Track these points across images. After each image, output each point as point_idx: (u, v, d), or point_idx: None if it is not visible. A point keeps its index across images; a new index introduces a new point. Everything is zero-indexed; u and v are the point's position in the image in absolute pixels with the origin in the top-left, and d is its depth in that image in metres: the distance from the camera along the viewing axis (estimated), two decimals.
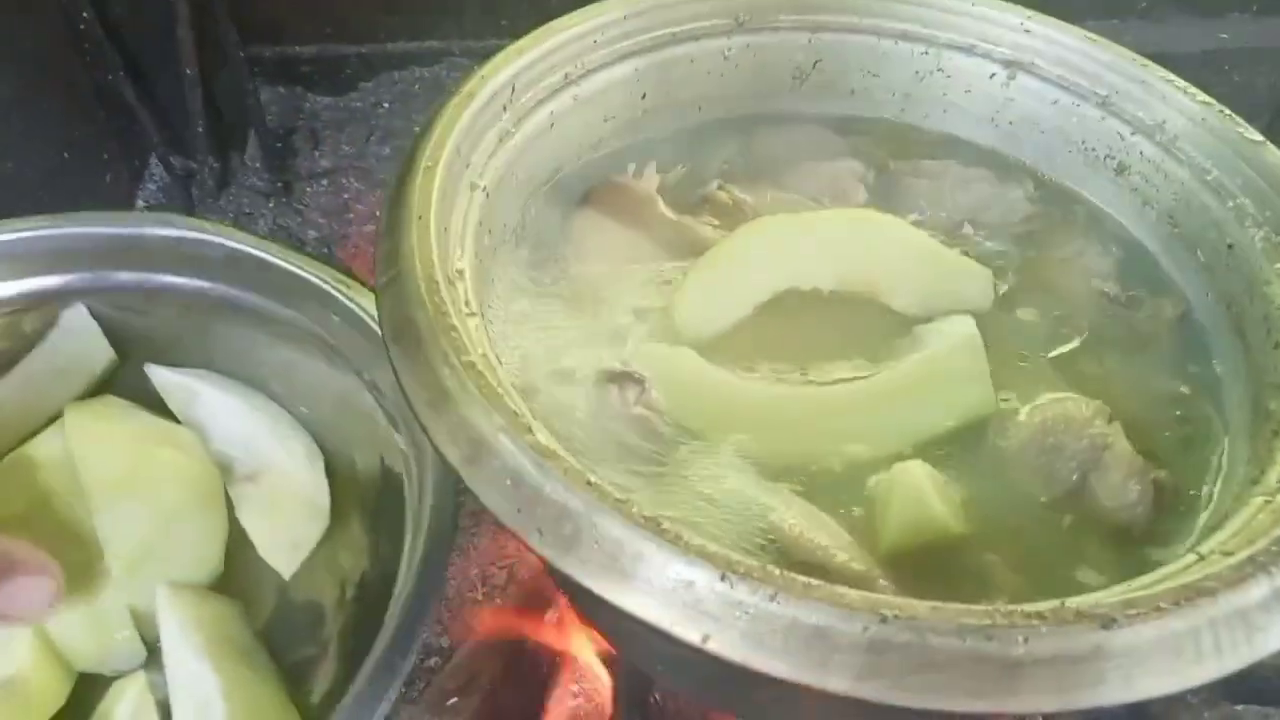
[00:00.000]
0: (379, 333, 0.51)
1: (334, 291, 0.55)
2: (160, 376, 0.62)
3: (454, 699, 0.57)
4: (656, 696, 0.59)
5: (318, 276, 0.56)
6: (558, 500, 0.36)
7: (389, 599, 0.47)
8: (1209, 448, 0.48)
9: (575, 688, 0.61)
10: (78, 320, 0.62)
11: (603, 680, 0.61)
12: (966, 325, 0.50)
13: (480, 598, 0.81)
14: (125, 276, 0.60)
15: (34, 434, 0.60)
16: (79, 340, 0.63)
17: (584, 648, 0.62)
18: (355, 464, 0.58)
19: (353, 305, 0.55)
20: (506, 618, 0.63)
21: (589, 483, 0.36)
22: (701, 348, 0.50)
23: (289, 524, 0.59)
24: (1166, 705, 0.59)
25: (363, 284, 0.56)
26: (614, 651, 0.60)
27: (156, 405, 0.61)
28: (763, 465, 0.45)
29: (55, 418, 0.60)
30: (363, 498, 0.57)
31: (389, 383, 0.53)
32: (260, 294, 0.58)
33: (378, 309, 0.43)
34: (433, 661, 0.74)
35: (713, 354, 0.49)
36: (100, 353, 0.63)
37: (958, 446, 0.47)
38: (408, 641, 0.43)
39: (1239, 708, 0.58)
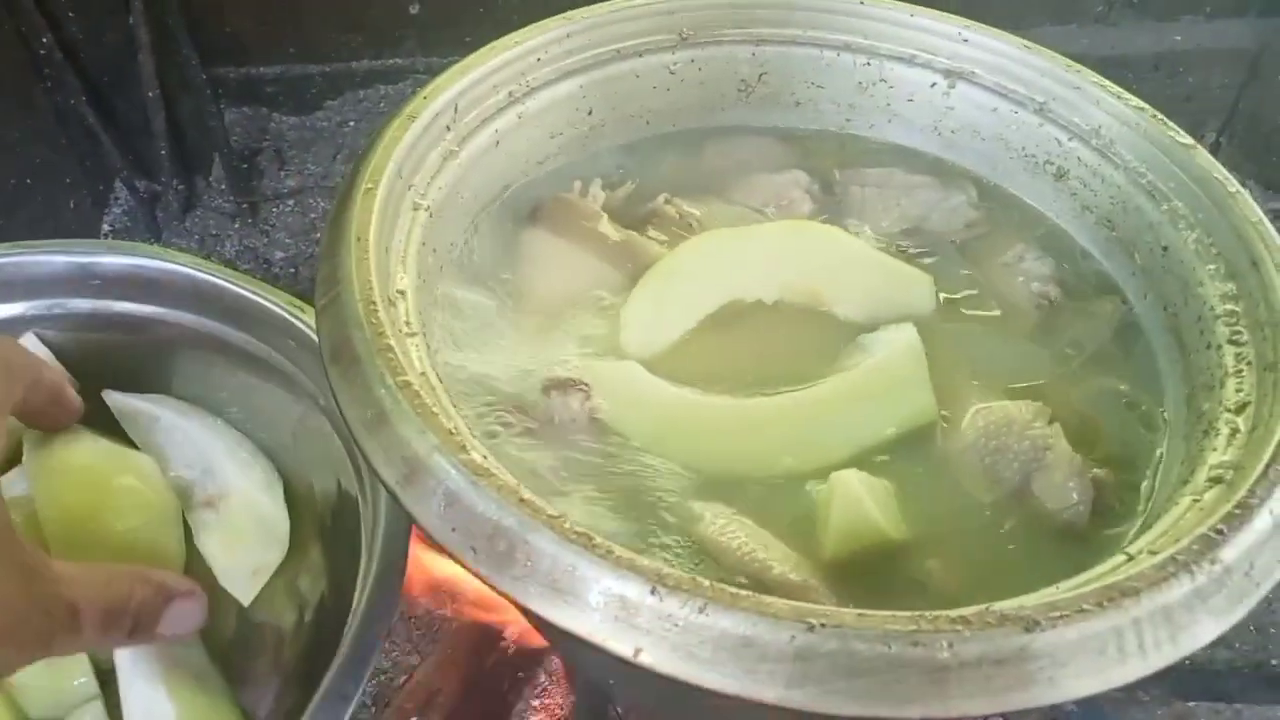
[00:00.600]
0: None
1: (288, 316, 0.56)
2: (118, 402, 0.62)
3: (414, 718, 0.57)
4: (616, 710, 0.60)
5: (272, 302, 0.56)
6: (491, 518, 0.36)
7: (344, 622, 0.47)
8: (1150, 449, 0.49)
9: (536, 703, 0.61)
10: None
11: (563, 695, 0.61)
12: (908, 333, 0.50)
13: (449, 613, 0.81)
14: (80, 304, 0.60)
15: None
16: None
17: (543, 663, 0.62)
18: (313, 487, 0.58)
19: (306, 329, 0.55)
20: (468, 634, 0.63)
21: (522, 500, 0.36)
22: (648, 362, 0.50)
23: (248, 550, 0.58)
24: (1120, 704, 0.60)
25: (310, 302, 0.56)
26: (570, 665, 0.60)
27: (117, 431, 0.61)
28: (704, 476, 0.46)
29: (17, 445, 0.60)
30: (320, 521, 0.57)
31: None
32: (216, 319, 0.59)
33: (317, 330, 0.44)
34: (402, 679, 0.74)
35: (659, 368, 0.50)
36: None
37: (900, 454, 0.48)
38: (360, 668, 0.44)
39: (1191, 704, 0.59)
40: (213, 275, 0.59)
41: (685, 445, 0.47)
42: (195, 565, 0.59)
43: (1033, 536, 0.46)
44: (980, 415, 0.49)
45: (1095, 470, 0.46)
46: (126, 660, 0.52)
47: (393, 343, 0.41)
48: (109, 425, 0.61)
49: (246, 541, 0.58)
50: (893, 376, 0.49)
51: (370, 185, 0.46)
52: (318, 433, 0.56)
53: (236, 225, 1.09)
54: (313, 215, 1.11)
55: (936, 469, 0.47)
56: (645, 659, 0.34)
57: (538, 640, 0.63)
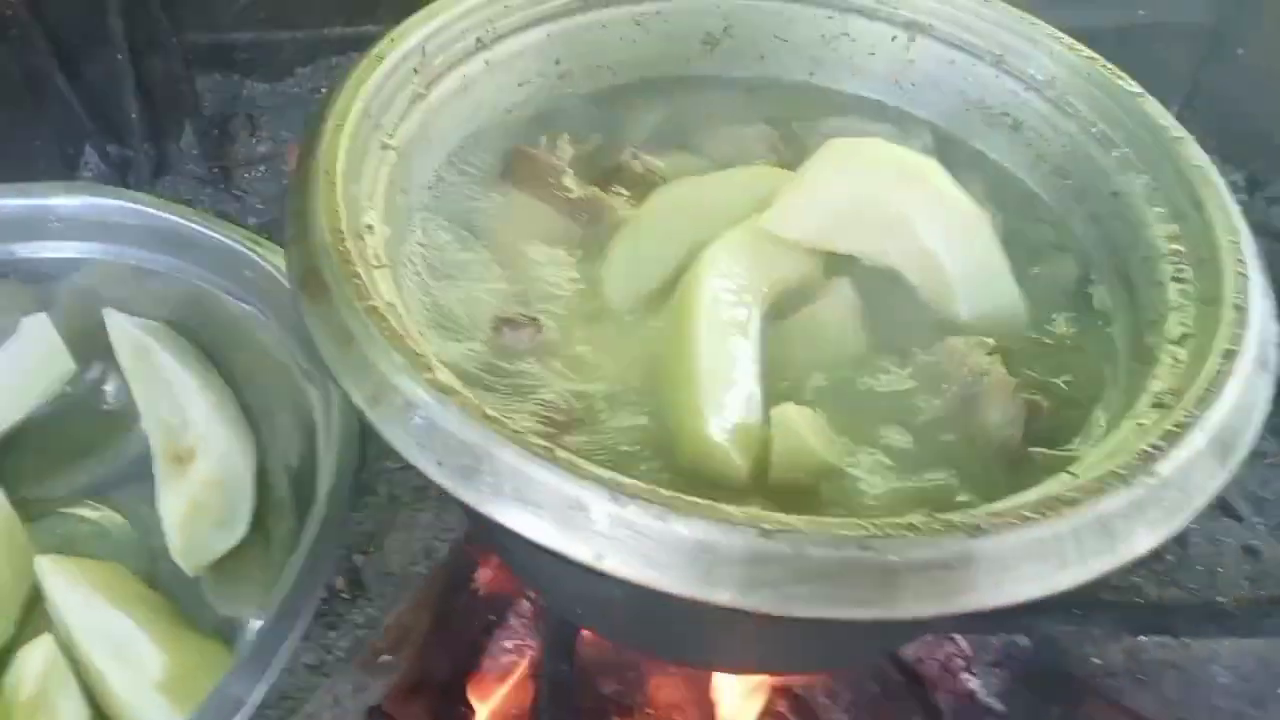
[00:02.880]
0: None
1: (245, 250, 0.56)
2: (117, 324, 0.62)
3: (385, 656, 0.58)
4: (589, 649, 0.61)
5: (229, 237, 0.57)
6: (455, 434, 0.37)
7: None
8: (1097, 383, 0.50)
9: (508, 644, 0.62)
10: (38, 329, 0.63)
11: (534, 637, 0.62)
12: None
13: (423, 570, 0.82)
14: (39, 247, 0.61)
15: None
16: (39, 350, 0.63)
17: (514, 605, 0.63)
18: (275, 421, 0.59)
19: (264, 262, 0.56)
20: (438, 577, 0.64)
21: (486, 416, 0.37)
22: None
23: (205, 529, 0.59)
24: (1074, 638, 0.62)
25: (273, 241, 0.57)
26: (541, 604, 0.62)
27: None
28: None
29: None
30: (286, 456, 0.58)
31: (302, 335, 0.54)
32: (179, 257, 0.59)
33: (286, 262, 0.44)
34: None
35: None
36: (61, 363, 0.63)
37: (845, 382, 0.49)
38: (309, 585, 0.45)
39: (1141, 639, 0.61)
40: (170, 214, 0.59)
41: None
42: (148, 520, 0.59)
43: (970, 456, 0.47)
44: (921, 348, 0.50)
45: (1029, 396, 0.48)
46: (65, 594, 0.53)
47: (360, 270, 0.42)
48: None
49: (206, 518, 0.58)
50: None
51: (338, 123, 0.47)
52: (279, 366, 0.57)
53: (209, 191, 1.09)
54: (285, 181, 1.11)
55: (880, 397, 0.49)
56: (606, 565, 0.35)
57: (507, 584, 0.64)
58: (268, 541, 0.57)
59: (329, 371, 0.40)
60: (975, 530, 0.36)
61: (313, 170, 0.45)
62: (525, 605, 0.63)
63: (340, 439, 0.49)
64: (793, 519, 0.35)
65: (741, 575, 0.35)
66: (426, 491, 0.90)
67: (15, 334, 0.63)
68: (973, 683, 0.67)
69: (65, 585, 0.53)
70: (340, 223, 0.43)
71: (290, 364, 0.56)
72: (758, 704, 0.64)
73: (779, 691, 0.65)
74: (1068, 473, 0.41)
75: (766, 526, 0.35)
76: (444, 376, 0.38)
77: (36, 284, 0.62)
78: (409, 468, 0.38)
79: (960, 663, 0.69)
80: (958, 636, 0.67)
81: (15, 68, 0.97)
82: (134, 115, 1.04)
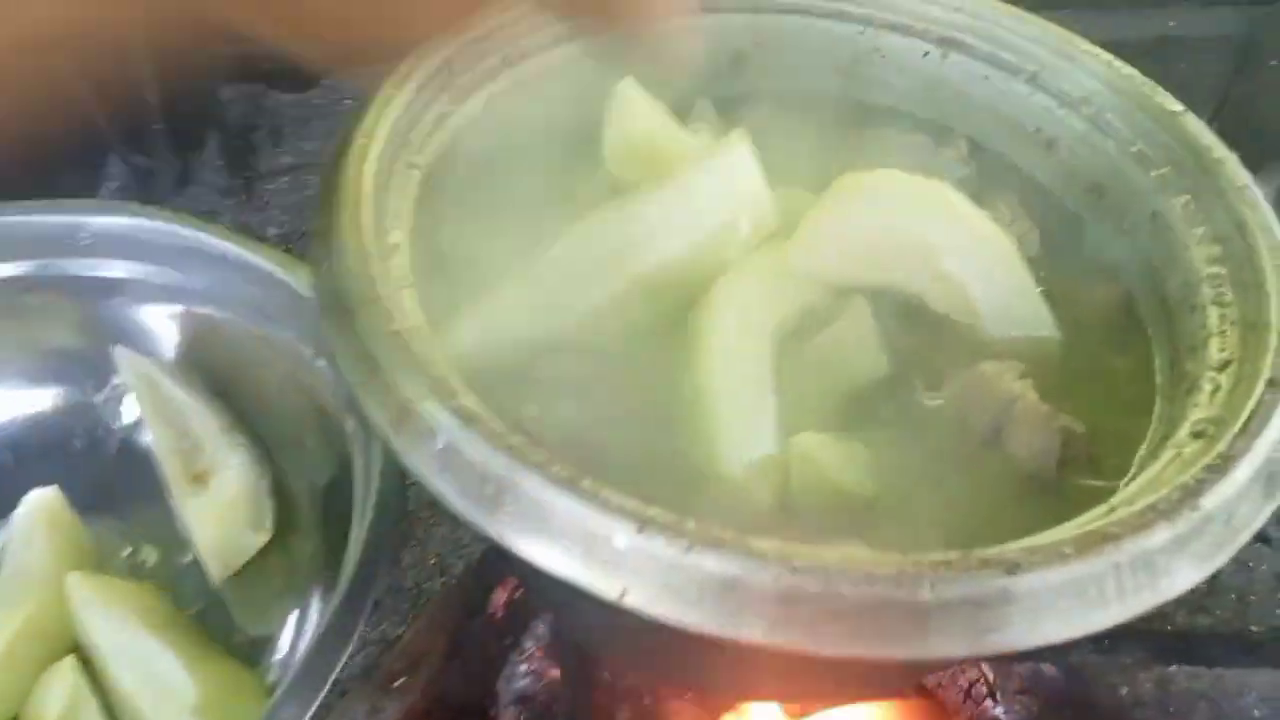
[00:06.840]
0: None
1: (275, 270, 0.56)
2: (127, 359, 0.62)
3: (401, 679, 0.58)
4: (607, 674, 0.60)
5: (258, 257, 0.57)
6: (479, 461, 0.36)
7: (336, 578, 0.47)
8: (1134, 410, 0.49)
9: (524, 668, 0.61)
10: None
11: (549, 659, 0.61)
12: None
13: (438, 586, 0.82)
14: (71, 263, 0.60)
15: None
16: None
17: (531, 628, 0.62)
18: (305, 445, 0.58)
19: (294, 284, 0.55)
20: (453, 599, 0.63)
21: (511, 445, 0.37)
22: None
23: (233, 528, 0.59)
24: (1102, 669, 0.60)
25: (295, 255, 0.57)
26: (559, 630, 0.61)
27: None
28: None
29: None
30: (311, 482, 0.57)
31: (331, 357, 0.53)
32: (205, 276, 0.59)
33: (312, 284, 0.44)
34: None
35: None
36: None
37: (869, 411, 0.48)
38: (350, 621, 0.44)
39: (1171, 669, 0.60)
40: (202, 232, 0.59)
41: None
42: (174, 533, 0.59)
43: (1005, 486, 0.46)
44: (949, 372, 0.49)
45: (1064, 422, 0.47)
46: (97, 616, 0.52)
47: (387, 293, 0.41)
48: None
49: (229, 523, 0.59)
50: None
51: (365, 141, 0.46)
52: (309, 390, 0.56)
53: (231, 203, 1.09)
54: (308, 192, 1.11)
55: (906, 424, 0.48)
56: (631, 600, 0.34)
57: (524, 608, 0.63)
58: (292, 563, 0.57)
59: (354, 396, 0.40)
60: (1013, 567, 0.34)
61: (339, 190, 0.44)
62: (542, 629, 0.62)
63: (383, 466, 0.48)
64: (823, 553, 0.34)
65: (770, 613, 0.34)
66: (441, 506, 0.90)
67: None
68: (996, 710, 0.66)
69: (98, 605, 0.52)
70: (366, 244, 0.42)
71: (321, 386, 0.55)
72: None
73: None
74: (1106, 505, 0.40)
75: (796, 563, 0.34)
76: (469, 403, 0.38)
77: (72, 300, 0.62)
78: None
79: (983, 689, 0.67)
80: (982, 663, 0.65)
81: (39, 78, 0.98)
82: (158, 126, 1.04)
